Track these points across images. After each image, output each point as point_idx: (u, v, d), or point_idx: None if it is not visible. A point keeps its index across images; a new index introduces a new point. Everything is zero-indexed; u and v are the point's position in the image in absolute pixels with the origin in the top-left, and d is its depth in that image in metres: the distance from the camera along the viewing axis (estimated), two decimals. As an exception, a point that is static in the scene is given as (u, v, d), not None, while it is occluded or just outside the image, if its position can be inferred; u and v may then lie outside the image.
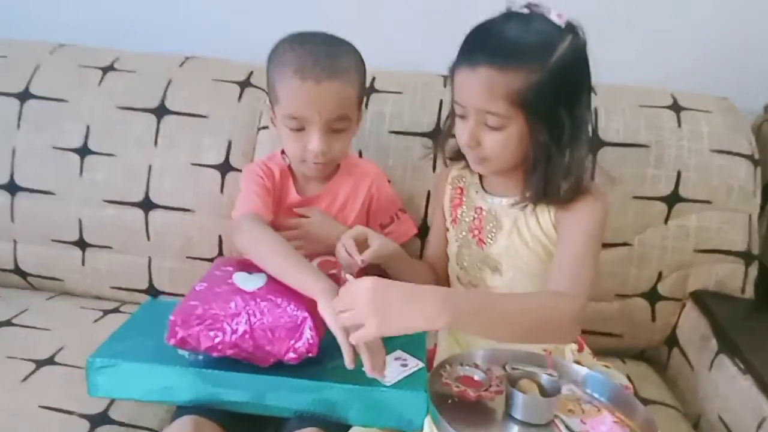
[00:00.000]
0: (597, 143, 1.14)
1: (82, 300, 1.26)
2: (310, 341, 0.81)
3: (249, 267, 0.91)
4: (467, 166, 0.98)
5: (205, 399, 0.82)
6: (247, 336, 0.81)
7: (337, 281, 0.90)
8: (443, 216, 1.05)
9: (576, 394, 0.83)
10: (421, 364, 0.86)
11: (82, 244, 1.24)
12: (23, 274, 1.28)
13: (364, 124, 1.16)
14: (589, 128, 0.90)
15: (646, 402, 1.05)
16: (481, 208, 0.97)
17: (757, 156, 1.16)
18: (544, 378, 0.80)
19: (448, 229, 1.04)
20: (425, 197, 1.17)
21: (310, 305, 0.82)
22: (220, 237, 1.21)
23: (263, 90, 1.26)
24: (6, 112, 1.24)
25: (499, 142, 0.85)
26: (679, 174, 1.14)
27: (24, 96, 1.25)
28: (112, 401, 0.93)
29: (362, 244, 0.93)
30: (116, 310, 1.23)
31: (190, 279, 1.18)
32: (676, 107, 1.19)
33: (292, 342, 0.81)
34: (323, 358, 0.82)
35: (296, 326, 0.81)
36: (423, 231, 1.15)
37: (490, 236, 0.95)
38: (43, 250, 1.25)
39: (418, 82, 1.24)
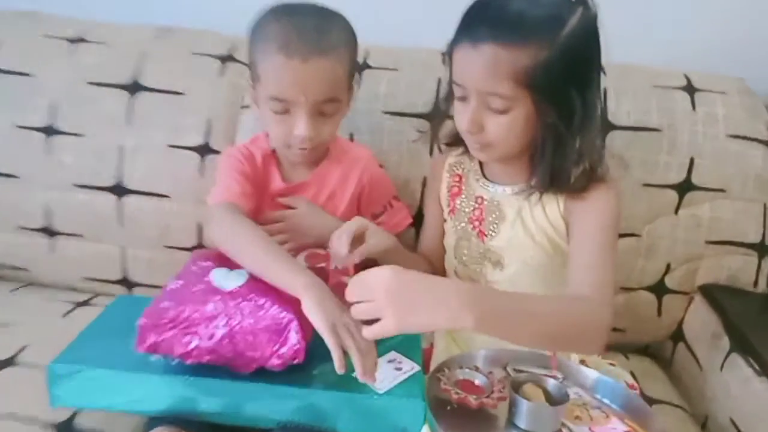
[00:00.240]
0: (606, 127, 1.08)
1: (50, 291, 1.18)
2: (296, 346, 0.74)
3: (230, 262, 0.83)
4: (466, 152, 0.91)
5: (181, 409, 0.75)
6: (225, 341, 0.73)
7: (326, 276, 0.84)
8: (440, 206, 0.98)
9: (583, 399, 0.78)
10: (417, 368, 0.80)
11: (49, 231, 1.16)
12: (-14, 264, 1.20)
13: (356, 104, 1.07)
14: (599, 110, 0.83)
15: (651, 401, 1.01)
16: (482, 198, 0.90)
17: (774, 141, 1.10)
18: (550, 383, 0.75)
19: (445, 220, 0.97)
20: (422, 183, 1.10)
21: (296, 306, 0.75)
22: (199, 225, 1.13)
23: (247, 65, 1.16)
24: (-39, 87, 1.14)
25: (504, 126, 0.78)
26: (692, 160, 1.08)
27: (-18, 70, 1.15)
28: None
29: (359, 237, 0.85)
30: (87, 303, 1.15)
31: (168, 270, 1.10)
32: (689, 88, 1.12)
33: (276, 347, 0.74)
34: (309, 363, 0.75)
35: (280, 329, 0.74)
36: (418, 220, 1.08)
37: (492, 228, 0.88)
38: (7, 237, 1.17)
39: (414, 59, 1.16)
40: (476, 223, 0.90)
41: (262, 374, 0.74)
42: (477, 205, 0.90)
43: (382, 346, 0.77)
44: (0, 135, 1.13)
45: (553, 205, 0.85)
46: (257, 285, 0.78)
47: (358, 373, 0.70)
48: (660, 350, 1.18)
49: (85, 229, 1.15)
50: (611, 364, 0.94)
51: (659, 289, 1.12)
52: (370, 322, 0.67)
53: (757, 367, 0.92)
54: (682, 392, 1.08)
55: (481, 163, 0.92)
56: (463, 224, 0.91)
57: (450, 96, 0.87)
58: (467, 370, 0.79)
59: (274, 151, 0.98)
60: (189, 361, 0.73)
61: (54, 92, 1.14)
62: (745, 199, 1.09)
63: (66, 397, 0.75)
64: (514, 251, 0.87)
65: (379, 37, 1.12)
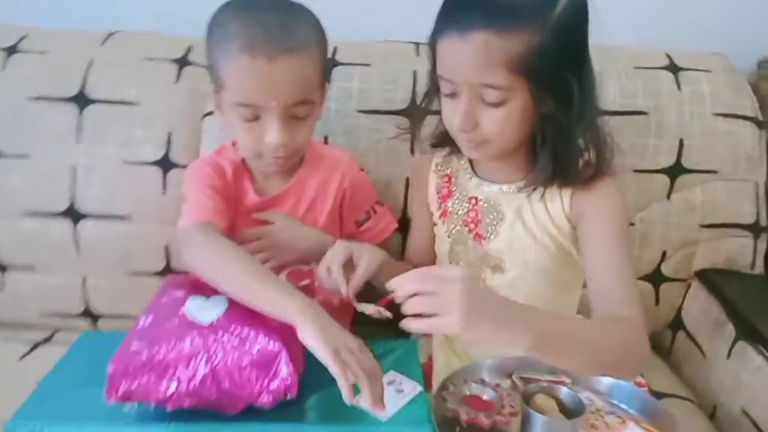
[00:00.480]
0: (593, 113, 1.03)
1: (3, 331, 1.07)
2: (288, 380, 0.67)
3: (204, 289, 0.75)
4: (454, 151, 0.85)
5: (163, 460, 0.67)
6: (208, 381, 0.65)
7: (312, 294, 0.77)
8: (427, 210, 0.91)
9: (595, 405, 0.74)
10: (419, 388, 0.74)
11: (-3, 265, 1.06)
12: (-72, 305, 1.09)
13: (328, 103, 1.01)
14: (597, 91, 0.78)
15: (658, 396, 0.97)
16: (476, 198, 0.84)
17: (760, 117, 1.08)
18: (563, 392, 0.71)
19: (435, 224, 0.90)
20: (404, 184, 1.04)
21: (283, 334, 0.68)
22: (166, 247, 1.04)
23: (206, 68, 1.07)
24: None
25: (500, 119, 0.73)
26: (681, 142, 1.05)
27: None
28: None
29: (348, 263, 0.78)
30: (48, 341, 1.06)
31: (134, 298, 1.04)
32: (673, 67, 1.09)
33: (266, 382, 0.67)
34: (301, 395, 0.69)
35: (269, 362, 0.67)
36: (404, 224, 1.02)
37: (489, 230, 0.83)
38: (-49, 274, 1.07)
39: (386, 52, 1.10)
40: (472, 226, 0.84)
41: (252, 413, 0.67)
42: (471, 207, 0.84)
43: (379, 366, 0.72)
44: (-69, 162, 1.02)
45: (557, 203, 0.80)
46: (238, 313, 0.71)
47: (368, 403, 0.64)
48: (659, 340, 1.15)
49: (38, 260, 1.06)
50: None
51: (656, 278, 1.08)
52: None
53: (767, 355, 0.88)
54: (685, 382, 1.05)
55: (471, 161, 0.86)
56: (457, 227, 0.85)
57: (432, 93, 0.81)
58: (473, 384, 0.75)
59: (244, 162, 0.90)
60: (169, 407, 0.65)
61: (-10, 111, 1.04)
62: (737, 179, 1.06)
63: (27, 460, 0.66)
64: (515, 253, 0.82)
65: (347, 30, 1.04)
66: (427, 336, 0.93)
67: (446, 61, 0.73)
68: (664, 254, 1.08)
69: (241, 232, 0.87)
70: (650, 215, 1.06)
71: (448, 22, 0.72)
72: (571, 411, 0.69)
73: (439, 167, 0.90)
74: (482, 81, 0.71)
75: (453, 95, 0.74)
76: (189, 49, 1.10)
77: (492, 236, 0.83)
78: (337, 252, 0.78)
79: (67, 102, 1.04)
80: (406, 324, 0.61)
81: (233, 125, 0.82)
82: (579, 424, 0.68)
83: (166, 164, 1.03)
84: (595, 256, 0.77)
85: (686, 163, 1.05)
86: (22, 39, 1.10)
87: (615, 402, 0.74)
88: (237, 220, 0.87)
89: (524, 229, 0.81)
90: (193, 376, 0.65)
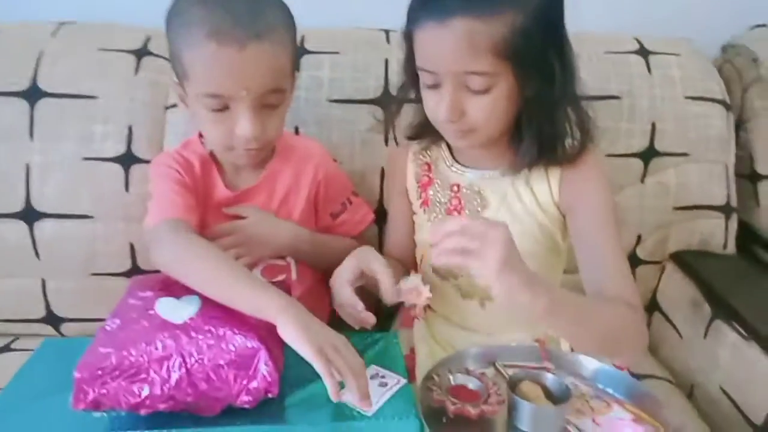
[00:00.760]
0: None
1: (-39, 339, 1.02)
2: (268, 378, 0.64)
3: (175, 288, 0.72)
4: (431, 141, 0.84)
5: (137, 470, 0.63)
6: (183, 384, 0.62)
7: (288, 289, 0.74)
8: (406, 200, 0.89)
9: (580, 389, 0.74)
10: (403, 381, 0.72)
11: (-50, 270, 0.99)
12: None
13: (298, 93, 0.98)
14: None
15: (637, 378, 0.95)
16: (458, 185, 0.82)
17: (728, 100, 1.09)
18: (549, 378, 0.71)
19: (415, 213, 0.88)
20: (379, 174, 1.02)
21: (261, 331, 0.65)
22: (131, 246, 1.00)
23: (165, 58, 1.03)
24: None
25: (487, 106, 0.71)
26: (653, 126, 1.05)
27: None
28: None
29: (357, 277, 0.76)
30: (8, 348, 1.01)
31: (99, 300, 1.00)
32: (643, 51, 1.09)
33: (245, 382, 0.64)
34: (283, 393, 0.66)
35: (247, 361, 0.64)
36: (380, 215, 1.00)
37: (473, 216, 0.81)
38: None
39: (357, 39, 1.08)
40: (455, 213, 0.82)
41: (232, 414, 0.64)
42: (453, 194, 0.82)
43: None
44: None
45: (544, 187, 0.79)
46: (213, 312, 0.67)
47: (354, 398, 0.63)
48: None
49: (-7, 264, 1.00)
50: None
51: (631, 261, 1.09)
52: None
53: (743, 332, 0.89)
54: (662, 363, 1.06)
55: (450, 148, 0.84)
56: (440, 216, 0.84)
57: (408, 85, 0.79)
58: (458, 374, 0.74)
59: (212, 155, 0.86)
60: (143, 412, 0.62)
61: (-66, 106, 0.97)
62: (709, 161, 1.08)
63: (-12, 477, 0.62)
64: None
65: (314, 18, 1.01)
66: (408, 324, 0.91)
67: (426, 52, 0.71)
68: (639, 237, 1.08)
69: (212, 228, 0.83)
70: (625, 199, 1.06)
71: (423, 10, 0.70)
72: (557, 397, 0.68)
73: (417, 155, 0.87)
74: (467, 69, 0.69)
75: (435, 86, 0.72)
76: (148, 39, 1.06)
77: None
78: (344, 276, 0.75)
79: (16, 96, 0.98)
80: (438, 258, 0.63)
81: (200, 117, 0.78)
82: (566, 410, 0.68)
83: (128, 160, 0.98)
84: (590, 246, 0.77)
85: (659, 146, 1.06)
86: None
87: (600, 386, 0.74)
88: (207, 216, 0.84)
89: (510, 214, 0.80)
90: (167, 378, 0.62)
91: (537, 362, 0.76)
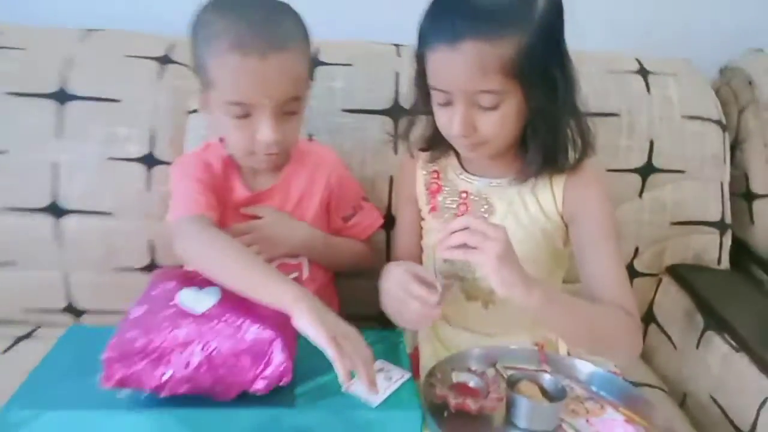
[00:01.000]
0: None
1: (-14, 326, 1.06)
2: (282, 366, 0.68)
3: (195, 281, 0.76)
4: (441, 150, 0.88)
5: (156, 448, 0.67)
6: (203, 368, 0.66)
7: (300, 286, 0.78)
8: (415, 206, 0.93)
9: (575, 392, 0.77)
10: (407, 375, 0.76)
11: (-22, 260, 1.04)
12: None
13: (312, 101, 1.01)
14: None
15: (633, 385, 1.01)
16: (466, 192, 0.86)
17: (724, 121, 1.14)
18: (546, 379, 0.74)
19: (423, 218, 0.92)
20: (388, 182, 1.06)
21: (276, 322, 0.70)
22: (150, 243, 1.04)
23: (187, 66, 1.08)
24: None
25: (497, 121, 0.75)
26: (651, 143, 1.10)
27: None
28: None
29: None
30: (30, 336, 1.05)
31: (118, 293, 1.04)
32: (642, 71, 1.14)
33: (260, 369, 0.68)
34: (293, 383, 0.70)
35: (263, 350, 0.68)
36: (389, 220, 1.04)
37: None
38: (-71, 270, 1.04)
39: (369, 53, 1.12)
40: None
41: (245, 399, 0.68)
42: (461, 200, 0.87)
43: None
44: None
45: (547, 194, 0.83)
46: (232, 303, 0.72)
47: (364, 385, 0.67)
48: None
49: (19, 256, 1.05)
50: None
51: (629, 274, 1.08)
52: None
53: (734, 343, 0.93)
54: (657, 372, 1.09)
55: (458, 157, 0.88)
56: (448, 222, 0.87)
57: (420, 103, 0.83)
58: (460, 372, 0.77)
59: (232, 158, 0.90)
60: (163, 394, 0.66)
61: (-32, 107, 1.02)
62: (704, 179, 1.12)
63: (22, 447, 0.66)
64: None
65: (329, 31, 1.05)
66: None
67: (439, 73, 0.75)
68: (636, 250, 1.12)
69: (231, 227, 0.87)
70: (623, 213, 1.10)
71: (434, 34, 0.74)
72: (553, 396, 0.72)
73: (426, 164, 0.91)
74: (478, 88, 0.73)
75: (447, 104, 0.76)
76: (170, 47, 1.11)
77: None
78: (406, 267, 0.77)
79: (46, 98, 1.03)
80: (447, 253, 0.69)
81: (223, 123, 0.82)
82: (560, 408, 0.71)
83: (150, 161, 1.03)
84: (590, 254, 0.81)
85: (656, 163, 1.10)
86: None
87: (594, 389, 0.77)
88: (225, 216, 0.87)
89: (515, 221, 0.83)
90: (188, 363, 0.66)
91: (535, 365, 0.79)
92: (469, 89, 0.73)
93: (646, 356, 1.14)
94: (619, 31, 1.25)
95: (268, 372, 0.68)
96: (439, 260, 0.89)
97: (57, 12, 1.20)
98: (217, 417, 0.67)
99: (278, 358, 0.68)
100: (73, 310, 1.08)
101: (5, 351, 0.99)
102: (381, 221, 1.01)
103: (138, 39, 1.12)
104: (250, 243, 0.85)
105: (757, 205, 1.15)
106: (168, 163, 1.03)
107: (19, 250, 1.04)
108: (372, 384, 0.67)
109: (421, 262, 0.94)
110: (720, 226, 1.13)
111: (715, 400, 0.95)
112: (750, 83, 1.17)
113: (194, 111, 1.06)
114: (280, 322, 0.69)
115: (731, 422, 0.91)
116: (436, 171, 0.90)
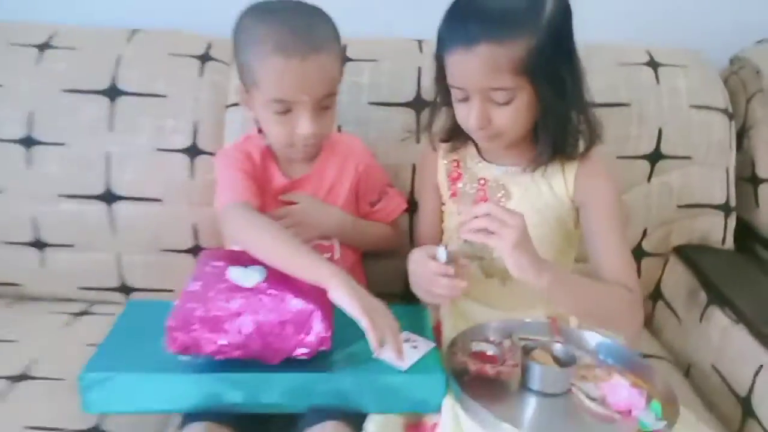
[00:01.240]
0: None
1: (45, 304, 1.16)
2: (322, 334, 0.76)
3: (240, 259, 0.85)
4: (461, 141, 0.95)
5: (213, 404, 0.76)
6: (254, 336, 0.75)
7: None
8: (437, 194, 1.00)
9: (585, 360, 0.84)
10: (432, 345, 0.84)
11: (39, 244, 1.13)
12: (-27, 282, 1.17)
13: (341, 96, 1.08)
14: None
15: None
16: (485, 179, 0.94)
17: (731, 110, 1.18)
18: (557, 348, 0.81)
19: (443, 203, 1.00)
20: (411, 170, 1.13)
21: (315, 295, 0.78)
22: (194, 226, 1.13)
23: (225, 63, 1.17)
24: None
25: (510, 115, 0.82)
26: (660, 131, 1.15)
27: (-53, 81, 1.11)
28: (102, 411, 0.85)
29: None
30: (86, 312, 1.14)
31: (165, 273, 1.14)
32: (653, 63, 1.19)
33: (302, 336, 0.76)
34: (332, 350, 0.78)
35: (305, 320, 0.76)
36: (411, 205, 1.11)
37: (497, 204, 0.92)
38: (-6, 252, 1.14)
39: (393, 49, 1.19)
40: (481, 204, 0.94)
41: (290, 364, 0.76)
42: (480, 186, 0.93)
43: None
44: (-29, 149, 1.09)
45: (559, 180, 0.90)
46: (275, 279, 0.80)
47: (393, 354, 0.75)
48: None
49: (75, 239, 1.13)
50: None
51: (638, 253, 1.18)
52: None
53: (733, 317, 1.00)
54: (664, 345, 1.16)
55: (476, 146, 0.95)
56: (468, 206, 0.94)
57: (442, 98, 0.90)
58: (480, 342, 0.84)
59: (270, 148, 0.98)
60: (219, 358, 0.75)
61: (28, 102, 1.11)
62: (710, 165, 1.17)
63: (99, 402, 0.76)
64: None
65: (354, 28, 1.10)
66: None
67: (456, 72, 0.82)
68: (644, 232, 1.18)
69: (270, 212, 0.94)
70: (632, 197, 1.15)
71: (452, 37, 0.81)
72: (564, 362, 0.78)
73: (447, 154, 0.98)
74: (491, 86, 0.80)
75: (465, 99, 0.84)
76: (209, 46, 1.18)
77: None
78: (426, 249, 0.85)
79: (99, 94, 1.11)
80: (469, 235, 0.77)
81: (265, 119, 0.90)
82: (571, 373, 0.77)
83: (193, 151, 1.11)
84: (598, 237, 0.88)
85: (664, 150, 1.15)
86: (52, 36, 1.16)
87: (601, 357, 0.84)
88: (265, 201, 0.95)
89: (530, 206, 0.90)
90: (241, 331, 0.74)
91: (548, 336, 0.85)
92: (483, 87, 0.80)
93: (654, 330, 1.20)
94: (630, 21, 1.29)
95: (309, 339, 0.76)
96: (459, 241, 0.97)
97: (104, 11, 1.27)
98: (265, 379, 0.76)
99: (318, 327, 0.76)
100: (124, 289, 1.17)
101: (65, 325, 1.09)
102: (405, 206, 1.08)
103: (179, 38, 1.19)
104: (288, 226, 0.93)
105: (763, 189, 1.20)
106: (209, 153, 1.10)
107: (77, 234, 1.13)
108: (399, 352, 0.74)
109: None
110: (724, 208, 1.18)
111: (716, 369, 1.01)
112: (758, 73, 1.21)
113: (232, 105, 1.14)
114: (318, 296, 0.77)
115: (730, 388, 0.97)
116: (456, 160, 0.97)
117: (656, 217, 1.17)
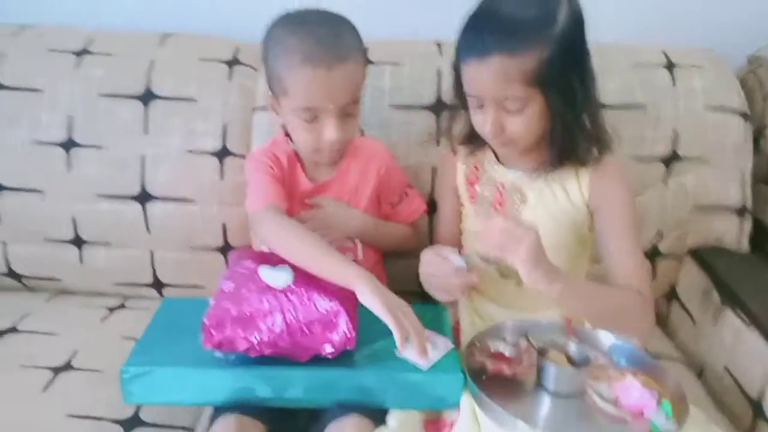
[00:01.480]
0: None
1: (83, 298, 1.22)
2: (348, 334, 0.80)
3: (269, 260, 0.89)
4: (478, 145, 0.98)
5: (245, 398, 0.81)
6: (284, 334, 0.79)
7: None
8: (455, 196, 1.03)
9: (599, 361, 0.86)
10: (450, 345, 0.87)
11: (77, 241, 1.19)
12: (17, 276, 1.23)
13: (363, 99, 1.12)
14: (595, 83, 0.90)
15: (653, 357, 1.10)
16: (502, 183, 0.97)
17: (747, 111, 1.18)
18: (572, 348, 0.83)
19: (462, 205, 1.03)
20: (431, 172, 1.16)
21: (341, 296, 0.82)
22: (223, 225, 1.17)
23: (252, 68, 1.21)
24: (-30, 107, 1.15)
25: (522, 123, 0.86)
26: (675, 133, 1.16)
27: (-12, 87, 1.16)
28: (140, 402, 0.91)
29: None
30: (122, 306, 1.20)
31: (196, 270, 1.19)
32: (669, 65, 1.19)
33: (329, 335, 0.80)
34: (357, 349, 0.82)
35: (331, 319, 0.81)
36: (431, 206, 1.14)
37: (515, 209, 0.95)
38: (37, 249, 1.20)
39: (414, 52, 1.21)
40: (499, 207, 0.97)
41: (317, 361, 0.81)
42: (497, 190, 0.97)
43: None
44: (20, 152, 1.15)
45: (573, 185, 0.92)
46: (304, 279, 0.84)
47: (417, 353, 0.78)
48: (656, 309, 1.26)
49: (112, 237, 1.19)
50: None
51: (653, 255, 1.20)
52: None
53: (746, 319, 1.01)
54: (678, 346, 1.17)
55: (494, 151, 0.98)
56: (485, 208, 0.98)
57: (459, 105, 0.93)
58: (497, 342, 0.87)
59: (296, 153, 1.02)
60: (252, 355, 0.80)
61: (68, 107, 1.15)
62: (726, 166, 1.17)
63: (139, 394, 0.81)
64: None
65: (375, 31, 1.12)
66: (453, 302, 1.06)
67: (471, 82, 0.86)
68: (660, 234, 1.19)
69: (297, 215, 0.98)
70: (648, 199, 1.16)
71: (466, 49, 0.85)
72: (578, 363, 0.81)
73: (466, 158, 1.01)
74: (503, 95, 0.83)
75: (480, 107, 0.87)
76: (237, 50, 1.21)
77: (517, 215, 0.94)
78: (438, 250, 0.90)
79: (134, 99, 1.15)
80: (486, 248, 0.80)
81: (292, 125, 0.94)
82: (585, 373, 0.80)
83: (223, 153, 1.15)
84: (611, 241, 0.91)
85: (680, 151, 1.16)
86: (89, 42, 1.20)
87: (615, 358, 0.86)
88: (292, 204, 0.99)
89: (545, 209, 0.93)
90: (272, 329, 0.79)
91: (563, 337, 0.87)
92: (496, 96, 0.84)
93: (669, 332, 1.22)
94: (644, 19, 1.30)
95: (335, 338, 0.80)
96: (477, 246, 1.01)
97: (134, 15, 1.32)
98: (294, 375, 0.81)
99: (344, 326, 0.80)
100: (157, 284, 1.22)
101: (103, 319, 1.15)
102: (424, 207, 1.12)
103: (208, 42, 1.23)
104: (313, 229, 0.96)
105: (780, 191, 1.21)
106: (238, 155, 1.14)
107: (112, 232, 1.18)
108: (423, 351, 0.78)
109: (459, 243, 1.04)
110: (740, 211, 1.19)
111: (728, 371, 1.03)
112: (775, 72, 1.21)
113: (259, 108, 1.17)
114: (344, 296, 0.82)
115: (742, 390, 0.99)
116: (474, 165, 1.00)
117: (672, 218, 1.18)
